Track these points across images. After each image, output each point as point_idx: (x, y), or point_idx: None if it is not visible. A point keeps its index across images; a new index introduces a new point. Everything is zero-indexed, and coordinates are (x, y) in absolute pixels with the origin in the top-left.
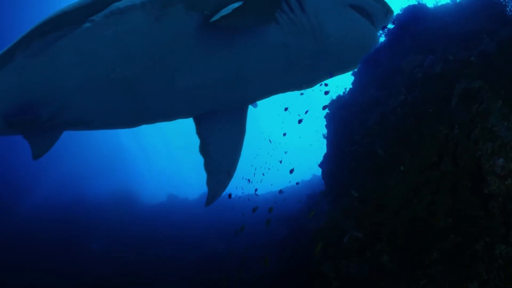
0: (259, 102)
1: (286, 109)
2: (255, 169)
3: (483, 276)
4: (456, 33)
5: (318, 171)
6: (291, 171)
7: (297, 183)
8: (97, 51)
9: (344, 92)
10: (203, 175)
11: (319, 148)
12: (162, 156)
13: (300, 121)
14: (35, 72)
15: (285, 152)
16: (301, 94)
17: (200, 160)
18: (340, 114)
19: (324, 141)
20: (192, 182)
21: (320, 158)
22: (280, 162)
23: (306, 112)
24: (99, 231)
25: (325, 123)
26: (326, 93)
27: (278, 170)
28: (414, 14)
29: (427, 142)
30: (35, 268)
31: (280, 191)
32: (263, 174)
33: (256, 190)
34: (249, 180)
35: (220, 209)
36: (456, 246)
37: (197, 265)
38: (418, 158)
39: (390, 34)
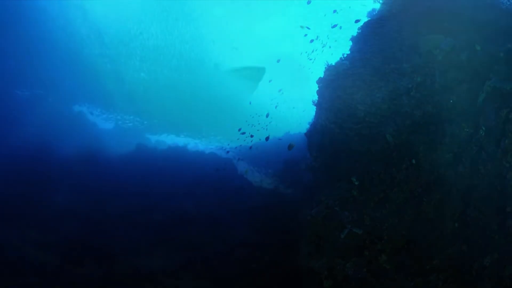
0: None
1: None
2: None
3: None
4: (473, 20)
5: (292, 130)
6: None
7: (251, 147)
8: None
9: (341, 58)
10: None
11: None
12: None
13: None
14: None
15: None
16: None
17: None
18: (338, 83)
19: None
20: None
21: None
22: (267, 116)
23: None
24: (65, 185)
25: (317, 89)
26: None
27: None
28: None
29: (446, 138)
30: None
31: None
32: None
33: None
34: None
35: (188, 164)
36: (462, 255)
37: (164, 224)
38: (434, 153)
39: (398, 5)
